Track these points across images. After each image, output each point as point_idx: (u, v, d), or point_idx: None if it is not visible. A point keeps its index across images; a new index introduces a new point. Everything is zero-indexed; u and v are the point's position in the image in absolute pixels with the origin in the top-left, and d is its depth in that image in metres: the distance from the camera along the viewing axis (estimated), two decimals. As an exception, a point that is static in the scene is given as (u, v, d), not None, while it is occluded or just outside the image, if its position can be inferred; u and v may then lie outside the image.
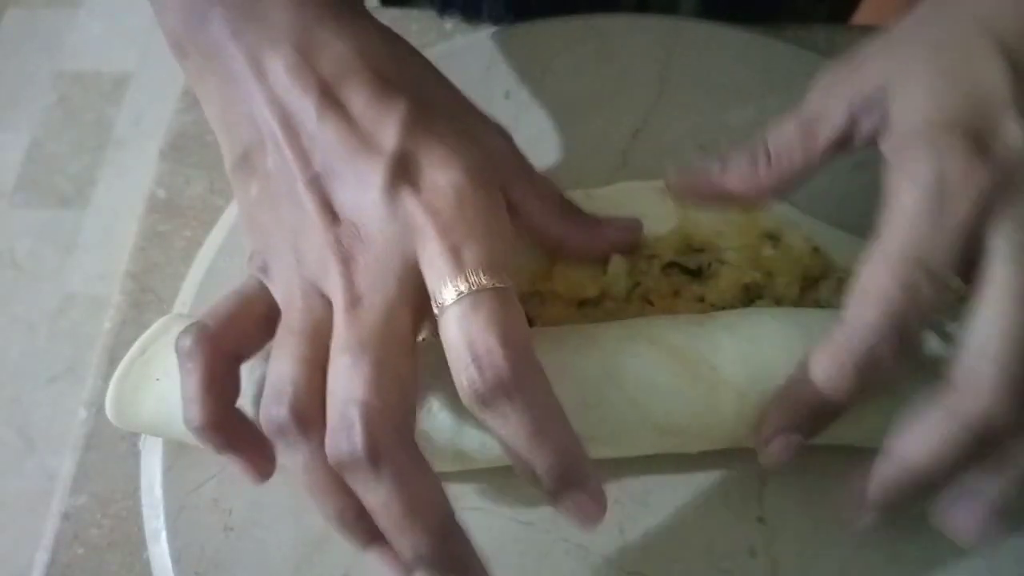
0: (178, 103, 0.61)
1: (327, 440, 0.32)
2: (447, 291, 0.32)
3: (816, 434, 0.40)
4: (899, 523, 0.44)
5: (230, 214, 0.54)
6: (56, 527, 0.48)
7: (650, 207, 0.52)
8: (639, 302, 0.48)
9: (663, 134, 0.55)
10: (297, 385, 0.33)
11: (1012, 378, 0.31)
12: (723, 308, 0.47)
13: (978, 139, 0.33)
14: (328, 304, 0.34)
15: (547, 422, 0.33)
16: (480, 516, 0.44)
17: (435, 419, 0.42)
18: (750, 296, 0.48)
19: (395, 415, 0.32)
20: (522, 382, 0.32)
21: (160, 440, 0.47)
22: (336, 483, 0.33)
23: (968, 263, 0.33)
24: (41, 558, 0.47)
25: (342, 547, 0.44)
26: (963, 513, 0.35)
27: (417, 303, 0.34)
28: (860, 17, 0.75)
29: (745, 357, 0.43)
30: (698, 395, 0.42)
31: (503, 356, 0.31)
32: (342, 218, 0.34)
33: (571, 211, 0.44)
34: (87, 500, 0.48)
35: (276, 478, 0.45)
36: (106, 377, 0.51)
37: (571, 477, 0.34)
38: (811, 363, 0.37)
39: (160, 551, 0.44)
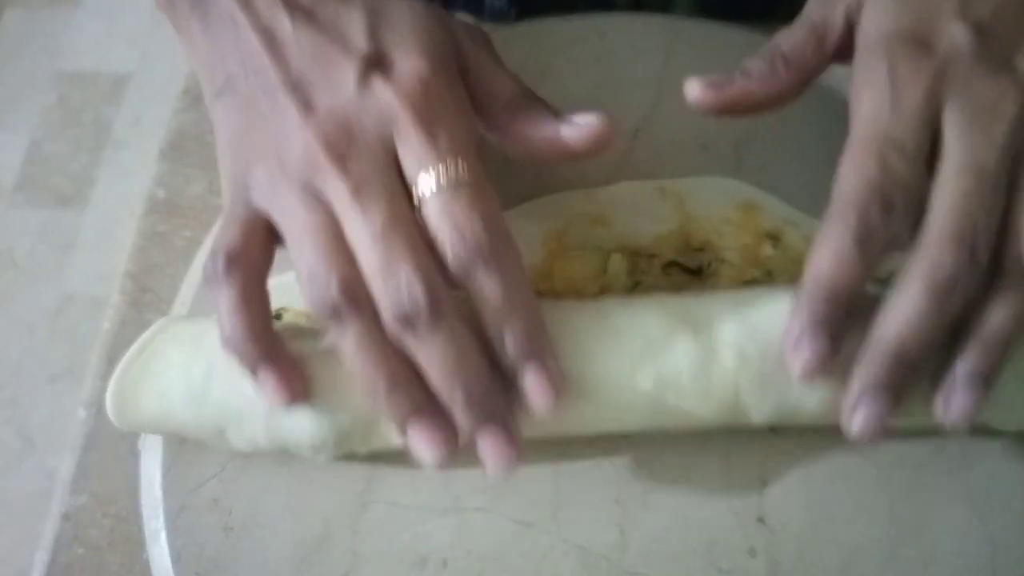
0: (178, 103, 0.61)
1: (388, 303, 0.35)
2: (427, 177, 0.36)
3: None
4: (899, 523, 0.44)
5: (230, 214, 0.54)
6: (56, 527, 0.48)
7: (650, 207, 0.52)
8: (639, 302, 0.48)
9: (663, 134, 0.55)
10: (338, 268, 0.36)
11: (968, 236, 0.34)
12: (723, 308, 0.47)
13: (925, 42, 0.38)
14: (325, 202, 0.37)
15: (517, 290, 0.37)
16: (480, 516, 0.44)
17: None
18: (750, 296, 0.48)
19: (436, 275, 0.36)
20: (497, 251, 0.36)
21: (160, 440, 0.47)
22: (388, 350, 0.36)
23: (934, 154, 0.37)
24: (41, 558, 0.47)
25: (342, 547, 0.44)
26: (959, 396, 0.37)
27: (403, 185, 0.37)
28: None
29: (743, 317, 0.42)
30: (698, 351, 0.42)
31: (483, 228, 0.36)
32: (324, 116, 0.37)
33: (531, 105, 0.43)
34: (87, 500, 0.48)
35: (276, 478, 0.46)
36: (105, 377, 0.51)
37: (535, 346, 0.37)
38: (814, 259, 0.38)
39: (160, 551, 0.44)
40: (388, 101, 0.37)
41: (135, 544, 0.47)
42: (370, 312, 0.36)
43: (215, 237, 0.39)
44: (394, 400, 0.37)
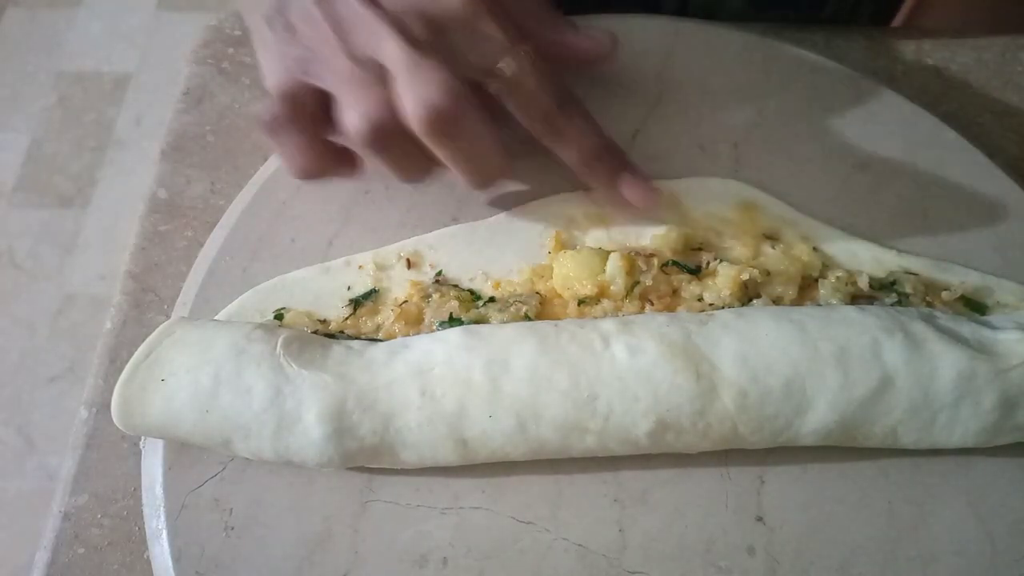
0: (178, 103, 0.61)
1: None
2: (506, 61, 0.47)
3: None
4: (898, 522, 0.44)
5: (232, 215, 0.54)
6: (56, 527, 0.48)
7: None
8: (638, 301, 0.48)
9: (663, 134, 0.55)
10: (379, 99, 0.44)
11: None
12: (722, 307, 0.48)
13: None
14: (381, 66, 0.44)
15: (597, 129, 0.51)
16: (480, 516, 0.44)
17: (438, 404, 0.42)
18: (748, 295, 0.48)
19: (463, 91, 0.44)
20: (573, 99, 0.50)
21: (161, 440, 0.47)
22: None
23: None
24: (41, 558, 0.47)
25: (343, 546, 0.44)
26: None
27: (461, 63, 0.46)
28: (901, 19, 0.76)
29: (745, 356, 0.43)
30: (700, 392, 0.42)
31: (545, 78, 0.48)
32: (391, 7, 0.45)
33: (555, 15, 0.53)
34: (87, 500, 0.48)
35: (277, 478, 0.46)
36: (107, 377, 0.51)
37: (621, 163, 0.51)
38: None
39: (161, 550, 0.44)
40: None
41: (135, 544, 0.47)
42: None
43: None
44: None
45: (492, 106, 0.48)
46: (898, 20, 0.76)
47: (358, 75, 0.45)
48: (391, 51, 0.44)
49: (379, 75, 0.45)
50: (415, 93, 0.44)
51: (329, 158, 0.49)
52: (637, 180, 0.51)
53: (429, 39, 0.45)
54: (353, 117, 0.45)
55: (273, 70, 0.49)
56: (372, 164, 0.49)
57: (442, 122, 0.44)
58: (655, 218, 0.52)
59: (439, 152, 0.46)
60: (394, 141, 0.46)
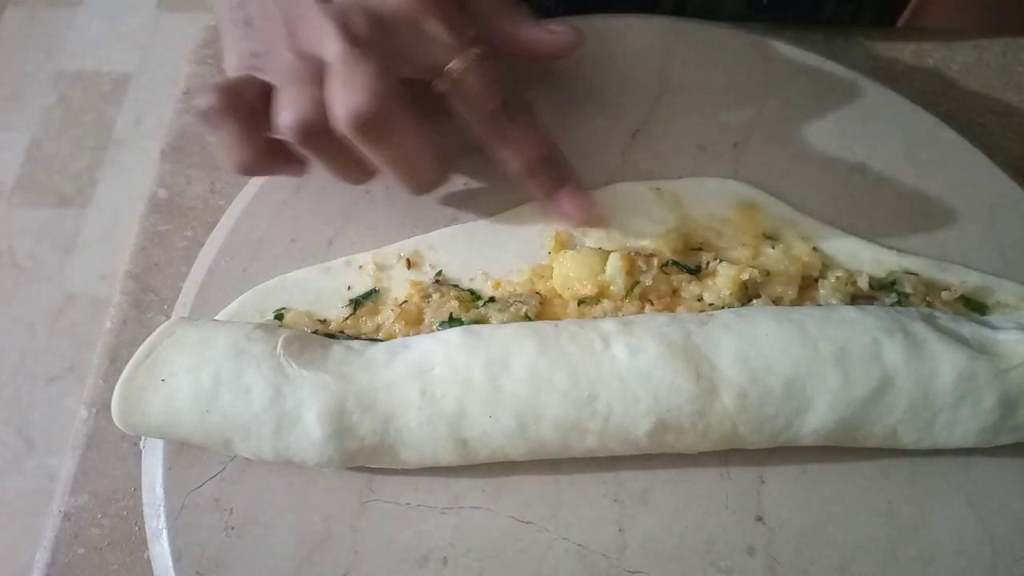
0: (178, 103, 0.61)
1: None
2: (458, 59, 0.46)
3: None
4: (898, 522, 0.44)
5: (232, 215, 0.54)
6: (56, 527, 0.48)
7: (649, 207, 0.52)
8: (638, 300, 0.48)
9: (663, 134, 0.55)
10: (312, 98, 0.44)
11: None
12: (722, 307, 0.48)
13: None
14: (323, 64, 0.44)
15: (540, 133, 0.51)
16: (480, 515, 0.44)
17: (438, 405, 0.42)
18: (748, 295, 0.48)
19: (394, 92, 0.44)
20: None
21: (161, 440, 0.47)
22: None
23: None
24: (41, 558, 0.47)
25: (343, 545, 0.44)
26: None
27: (404, 63, 0.46)
28: (902, 20, 0.76)
29: (745, 356, 0.43)
30: (700, 392, 0.42)
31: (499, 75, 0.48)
32: (338, 3, 0.45)
33: (515, 9, 0.52)
34: (87, 500, 0.48)
35: (277, 478, 0.46)
36: (107, 377, 0.51)
37: (565, 175, 0.51)
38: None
39: (161, 550, 0.44)
40: None
41: (135, 543, 0.47)
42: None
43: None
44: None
45: (444, 107, 0.48)
46: (899, 21, 0.76)
47: (299, 72, 0.45)
48: (331, 48, 0.44)
49: (319, 73, 0.44)
50: (343, 96, 0.43)
51: (269, 154, 0.48)
52: (576, 193, 0.51)
53: (372, 38, 0.44)
54: (285, 116, 0.45)
55: (229, 63, 0.49)
56: (313, 163, 0.49)
57: (368, 127, 0.44)
58: (655, 218, 0.52)
59: (369, 156, 0.46)
60: (326, 142, 0.45)
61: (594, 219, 0.51)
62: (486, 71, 0.47)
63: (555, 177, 0.51)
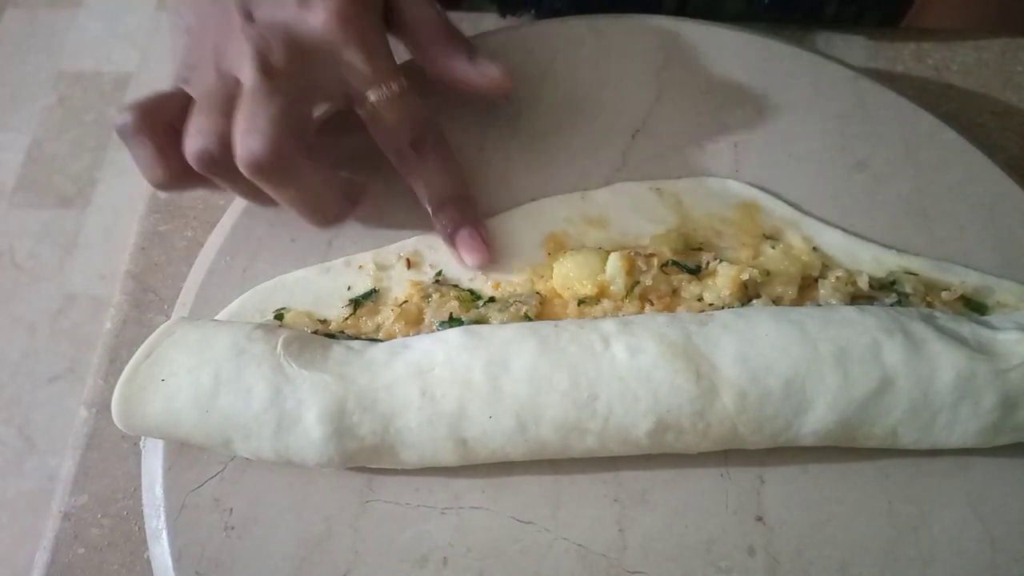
0: (178, 103, 0.61)
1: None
2: (375, 91, 0.47)
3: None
4: (898, 522, 0.44)
5: (232, 215, 0.54)
6: (56, 527, 0.48)
7: (649, 207, 0.52)
8: (638, 301, 0.48)
9: (662, 134, 0.55)
10: (217, 130, 0.44)
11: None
12: (722, 307, 0.48)
13: None
14: (238, 87, 0.44)
15: (454, 166, 0.52)
16: (480, 516, 0.44)
17: (438, 405, 0.42)
18: (748, 295, 0.48)
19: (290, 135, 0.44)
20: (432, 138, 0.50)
21: (161, 440, 0.47)
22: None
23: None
24: (41, 558, 0.47)
25: (343, 545, 0.44)
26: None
27: (321, 90, 0.47)
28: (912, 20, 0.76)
29: (745, 356, 0.43)
30: (700, 392, 0.42)
31: (416, 110, 0.49)
32: (261, 24, 0.45)
33: (451, 41, 0.51)
34: (87, 500, 0.48)
35: (277, 478, 0.46)
36: (107, 377, 0.51)
37: (468, 217, 0.51)
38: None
39: (161, 550, 0.44)
40: (327, 21, 0.44)
41: (135, 544, 0.47)
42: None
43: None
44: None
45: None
46: (902, 22, 0.76)
47: (214, 97, 0.45)
48: (246, 75, 0.44)
49: (231, 101, 0.44)
50: (242, 139, 0.43)
51: (185, 173, 0.47)
52: (473, 236, 0.50)
53: (288, 68, 0.44)
54: (190, 144, 0.45)
55: (172, 70, 0.49)
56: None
57: (263, 173, 0.44)
58: (655, 218, 0.52)
59: (269, 194, 0.46)
60: (229, 172, 0.45)
61: (486, 264, 0.50)
62: (402, 105, 0.48)
63: (457, 218, 0.51)
